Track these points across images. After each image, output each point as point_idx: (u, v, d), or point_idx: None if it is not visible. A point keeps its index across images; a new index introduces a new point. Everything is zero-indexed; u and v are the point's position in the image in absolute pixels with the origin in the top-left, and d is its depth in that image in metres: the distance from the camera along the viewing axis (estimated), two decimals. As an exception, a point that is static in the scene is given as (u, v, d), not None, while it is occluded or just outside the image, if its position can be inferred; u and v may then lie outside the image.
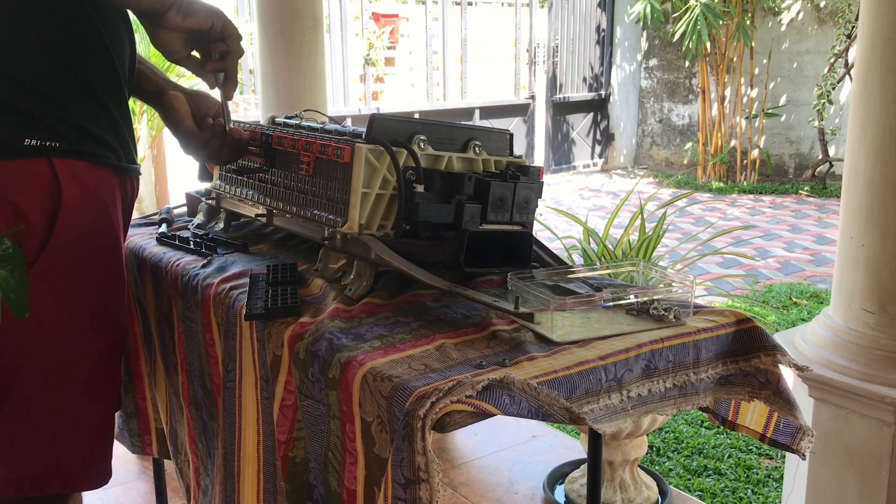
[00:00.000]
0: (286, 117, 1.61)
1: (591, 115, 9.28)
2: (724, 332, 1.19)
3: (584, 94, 9.14)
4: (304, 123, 1.52)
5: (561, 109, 8.96)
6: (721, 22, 7.59)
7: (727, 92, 8.26)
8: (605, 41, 9.16)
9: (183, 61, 1.22)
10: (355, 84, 8.07)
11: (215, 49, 1.21)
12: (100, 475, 1.28)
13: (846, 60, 7.09)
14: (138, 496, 2.38)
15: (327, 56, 5.25)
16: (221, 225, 1.65)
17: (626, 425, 2.01)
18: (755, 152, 8.16)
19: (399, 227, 1.26)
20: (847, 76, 7.13)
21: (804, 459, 1.32)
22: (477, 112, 8.37)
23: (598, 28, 9.10)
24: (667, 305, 1.19)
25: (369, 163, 1.25)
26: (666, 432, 3.06)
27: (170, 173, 5.36)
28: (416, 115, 7.06)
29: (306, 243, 1.51)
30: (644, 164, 9.46)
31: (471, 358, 1.05)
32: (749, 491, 2.65)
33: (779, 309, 4.37)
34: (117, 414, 1.67)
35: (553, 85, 8.85)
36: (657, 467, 2.80)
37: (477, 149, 1.37)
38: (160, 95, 1.37)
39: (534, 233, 1.35)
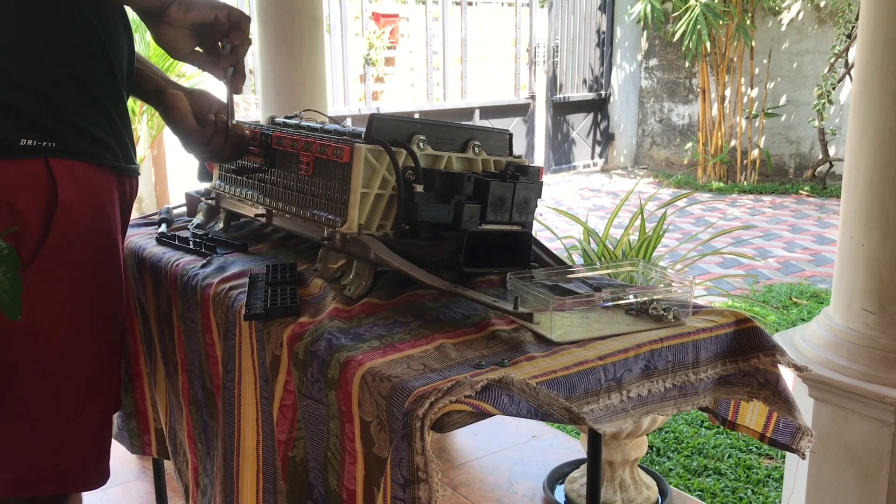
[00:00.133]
0: (286, 117, 1.61)
1: (592, 115, 9.28)
2: (723, 332, 1.19)
3: (584, 94, 9.14)
4: (304, 123, 1.52)
5: (561, 109, 8.96)
6: (721, 22, 7.59)
7: (727, 92, 8.26)
8: (605, 41, 9.16)
9: (188, 57, 1.21)
10: (355, 84, 8.07)
11: (223, 41, 1.20)
12: (98, 476, 1.28)
13: (846, 60, 7.09)
14: (138, 496, 2.38)
15: (327, 56, 5.25)
16: (221, 225, 1.65)
17: (626, 425, 2.01)
18: (755, 152, 8.16)
19: (398, 227, 1.26)
20: (847, 76, 7.13)
21: (804, 459, 1.32)
22: (477, 112, 8.37)
23: (598, 28, 9.10)
24: (666, 305, 1.19)
25: (369, 163, 1.25)
26: (666, 432, 3.06)
27: (170, 173, 5.36)
28: (416, 115, 7.06)
29: (306, 243, 1.51)
30: (644, 164, 9.46)
31: (470, 358, 1.05)
32: (749, 491, 2.65)
33: (779, 309, 4.37)
34: (117, 414, 1.67)
35: (553, 85, 8.85)
36: (657, 467, 2.80)
37: (476, 149, 1.37)
38: (161, 94, 1.36)
39: (533, 233, 1.35)
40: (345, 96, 7.55)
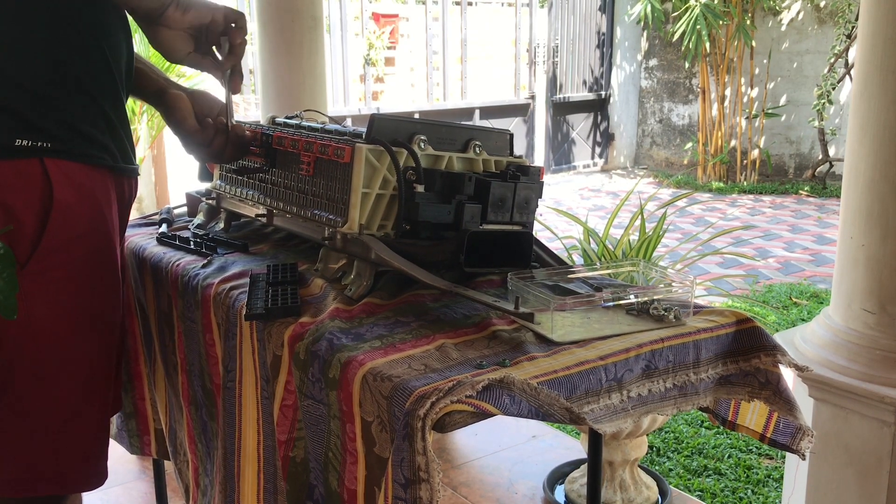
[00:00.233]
0: (286, 117, 1.61)
1: (592, 115, 9.28)
2: (724, 332, 1.19)
3: (584, 95, 9.14)
4: (305, 123, 1.52)
5: (561, 109, 8.96)
6: (721, 22, 7.59)
7: (727, 92, 8.26)
8: (605, 41, 9.16)
9: (185, 60, 1.21)
10: (355, 84, 8.07)
11: (221, 41, 1.20)
12: (96, 476, 1.27)
13: (846, 60, 7.09)
14: (138, 496, 2.38)
15: (327, 56, 5.25)
16: (221, 225, 1.65)
17: (627, 425, 2.01)
18: (755, 152, 8.16)
19: (399, 227, 1.26)
20: (847, 76, 7.14)
21: (804, 459, 1.32)
22: (477, 112, 8.37)
23: (598, 28, 9.10)
24: (667, 305, 1.19)
25: (369, 163, 1.25)
26: (666, 432, 3.06)
27: (170, 173, 5.36)
28: (416, 115, 7.06)
29: (306, 243, 1.51)
30: (644, 164, 9.46)
31: (471, 358, 1.05)
32: (749, 491, 2.65)
33: (779, 309, 4.38)
34: (116, 414, 1.67)
35: (553, 85, 8.85)
36: (657, 467, 2.80)
37: (477, 149, 1.37)
38: (162, 95, 1.36)
39: (534, 233, 1.35)
40: (345, 96, 7.55)
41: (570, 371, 1.02)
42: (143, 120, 4.66)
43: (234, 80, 1.26)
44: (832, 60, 7.17)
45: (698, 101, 8.45)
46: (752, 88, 8.13)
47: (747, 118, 8.13)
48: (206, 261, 1.45)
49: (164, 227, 1.68)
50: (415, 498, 0.88)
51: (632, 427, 2.13)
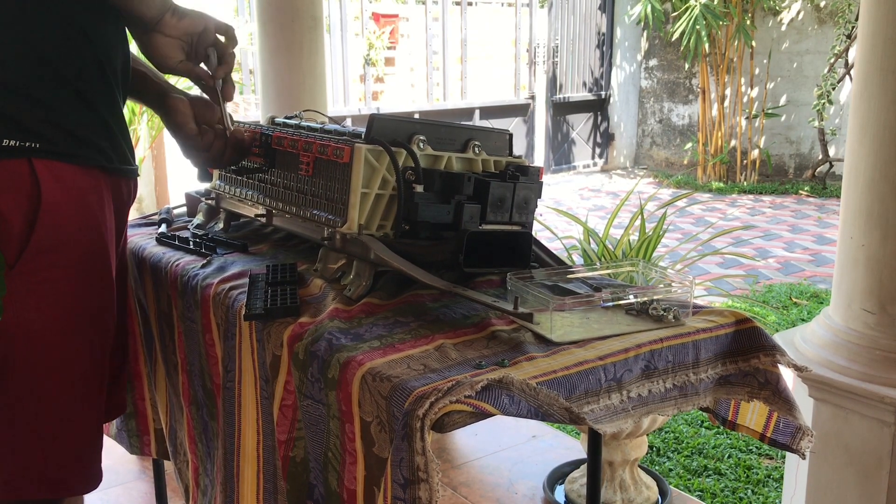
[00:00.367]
0: (286, 117, 1.61)
1: (591, 115, 9.28)
2: (723, 332, 1.19)
3: (584, 95, 9.14)
4: (304, 123, 1.52)
5: (561, 110, 8.96)
6: (720, 23, 7.59)
7: (727, 92, 8.26)
8: (605, 41, 9.16)
9: (178, 67, 1.24)
10: (355, 84, 8.08)
11: (209, 52, 1.25)
12: (89, 479, 1.26)
13: (846, 60, 7.09)
14: (138, 496, 2.38)
15: (327, 56, 5.25)
16: (221, 225, 1.65)
17: (627, 425, 2.01)
18: (755, 152, 8.16)
19: (398, 228, 1.26)
20: (847, 76, 7.14)
21: (804, 459, 1.32)
22: (477, 112, 8.37)
23: (598, 28, 9.10)
24: (666, 305, 1.19)
25: (369, 163, 1.25)
26: (666, 432, 3.06)
27: (170, 173, 5.36)
28: (416, 115, 7.06)
29: (306, 243, 1.51)
30: (644, 164, 9.46)
31: (470, 358, 1.05)
32: (749, 491, 2.65)
33: (779, 309, 4.37)
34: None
35: (553, 85, 8.85)
36: (657, 467, 2.80)
37: (476, 149, 1.37)
38: (163, 98, 1.36)
39: (533, 233, 1.35)
40: (345, 96, 7.55)
41: (570, 371, 1.02)
42: (142, 120, 4.66)
43: (226, 89, 1.29)
44: (832, 60, 7.17)
45: (698, 101, 8.45)
46: (752, 88, 8.13)
47: (747, 118, 8.13)
48: (205, 261, 1.45)
49: (163, 227, 1.68)
50: (414, 498, 0.88)
51: (632, 427, 2.13)
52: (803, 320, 4.13)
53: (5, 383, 1.15)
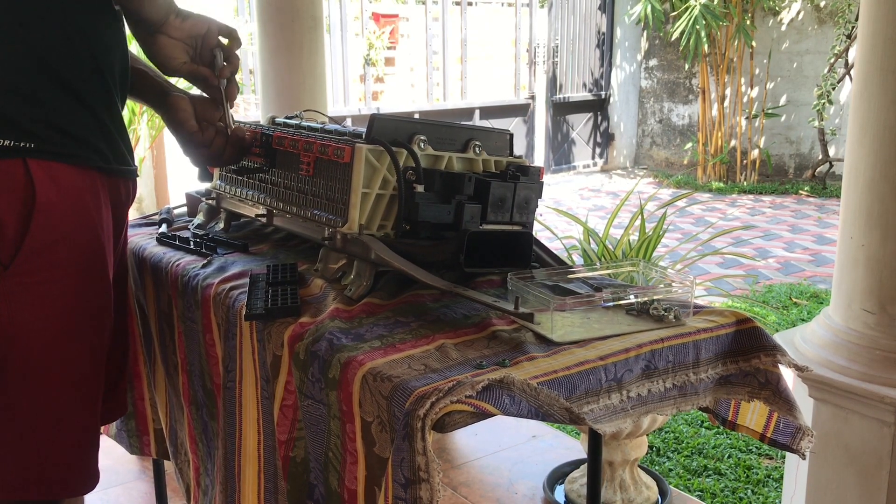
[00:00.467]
0: (286, 117, 1.61)
1: (591, 115, 9.28)
2: (723, 332, 1.19)
3: (584, 95, 9.14)
4: (304, 123, 1.52)
5: (561, 110, 8.96)
6: (720, 23, 7.59)
7: (727, 92, 8.26)
8: (605, 41, 9.16)
9: (181, 69, 1.26)
10: (355, 84, 8.07)
11: (215, 53, 1.26)
12: (87, 480, 1.26)
13: (846, 60, 7.09)
14: (138, 496, 2.38)
15: (327, 56, 5.25)
16: (221, 225, 1.65)
17: (626, 425, 2.01)
18: (755, 152, 8.16)
19: (399, 228, 1.26)
20: (847, 76, 7.14)
21: (804, 459, 1.32)
22: (477, 112, 8.38)
23: (598, 28, 9.10)
24: (667, 305, 1.19)
25: (369, 163, 1.25)
26: (666, 432, 3.06)
27: (170, 173, 5.36)
28: (416, 115, 7.06)
29: (306, 243, 1.51)
30: (644, 164, 9.46)
31: (471, 358, 1.05)
32: (749, 491, 2.65)
33: (779, 309, 4.38)
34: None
35: (553, 85, 8.85)
36: (657, 467, 2.80)
37: (477, 149, 1.37)
38: (164, 97, 1.37)
39: (534, 233, 1.35)
40: (345, 96, 7.55)
41: (570, 371, 1.02)
42: (142, 120, 4.66)
43: (230, 90, 1.31)
44: (832, 60, 7.17)
45: (698, 102, 8.45)
46: (752, 88, 8.14)
47: (747, 118, 8.13)
48: (205, 261, 1.45)
49: (163, 228, 1.68)
50: (415, 498, 0.88)
51: (632, 427, 2.13)
52: (803, 320, 4.13)
53: (3, 384, 1.15)
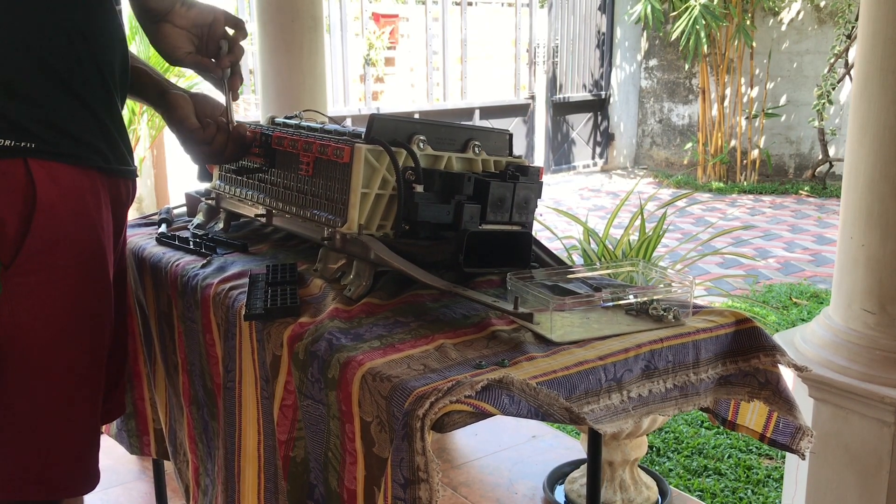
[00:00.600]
0: (286, 117, 1.61)
1: (591, 115, 9.28)
2: (723, 332, 1.19)
3: (584, 95, 9.14)
4: (304, 123, 1.52)
5: (561, 110, 8.96)
6: (720, 23, 7.59)
7: (727, 92, 8.26)
8: (605, 41, 9.16)
9: (186, 59, 1.25)
10: (355, 84, 8.08)
11: (221, 42, 1.25)
12: (87, 480, 1.26)
13: (846, 60, 7.09)
14: (138, 496, 2.38)
15: (327, 56, 5.25)
16: (221, 225, 1.65)
17: (627, 425, 2.01)
18: (755, 152, 8.16)
19: (398, 228, 1.26)
20: (847, 76, 7.14)
21: (804, 459, 1.32)
22: (477, 112, 8.38)
23: (597, 28, 9.10)
24: (666, 305, 1.19)
25: (369, 163, 1.25)
26: (666, 432, 3.06)
27: (170, 173, 5.37)
28: (416, 115, 7.06)
29: (306, 243, 1.51)
30: (644, 164, 9.46)
31: (470, 358, 1.05)
32: (749, 491, 2.65)
33: (779, 309, 4.37)
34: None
35: (553, 85, 8.85)
36: (657, 467, 2.80)
37: (476, 149, 1.37)
38: (163, 95, 1.36)
39: (533, 233, 1.35)
40: (345, 96, 7.55)
41: (570, 371, 1.02)
42: (142, 120, 4.66)
43: (233, 81, 1.29)
44: (832, 60, 7.17)
45: (698, 102, 8.45)
46: (752, 88, 8.14)
47: (747, 118, 8.13)
48: (205, 261, 1.45)
49: (163, 227, 1.67)
50: (414, 498, 0.88)
51: (632, 427, 2.13)
52: (803, 320, 4.13)
53: (3, 384, 1.15)
